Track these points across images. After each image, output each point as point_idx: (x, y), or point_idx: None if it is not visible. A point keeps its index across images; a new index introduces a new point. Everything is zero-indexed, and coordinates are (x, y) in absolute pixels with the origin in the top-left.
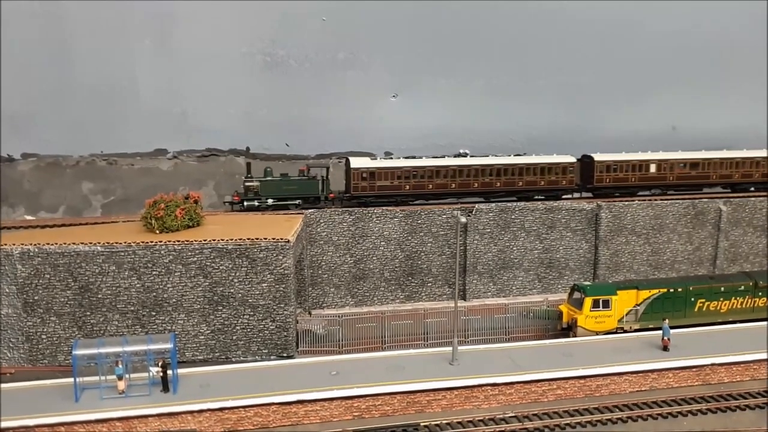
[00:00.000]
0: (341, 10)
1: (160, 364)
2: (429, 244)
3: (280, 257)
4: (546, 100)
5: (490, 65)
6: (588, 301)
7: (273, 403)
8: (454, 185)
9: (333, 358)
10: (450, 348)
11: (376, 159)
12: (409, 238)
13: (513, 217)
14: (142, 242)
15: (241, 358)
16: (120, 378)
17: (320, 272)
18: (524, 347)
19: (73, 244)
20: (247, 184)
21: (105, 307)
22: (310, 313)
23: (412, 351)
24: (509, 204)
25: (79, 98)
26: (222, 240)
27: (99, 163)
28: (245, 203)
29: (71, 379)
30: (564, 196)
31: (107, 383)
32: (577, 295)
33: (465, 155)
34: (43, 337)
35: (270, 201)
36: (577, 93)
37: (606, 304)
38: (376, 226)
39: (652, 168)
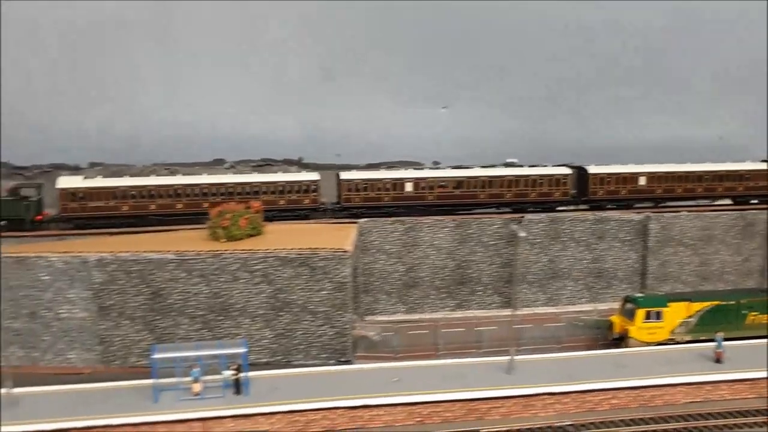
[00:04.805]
0: (392, 25)
1: (233, 367)
2: (479, 254)
3: (339, 266)
4: (596, 112)
5: (538, 77)
6: (640, 313)
7: (340, 407)
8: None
9: (392, 365)
10: (504, 357)
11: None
12: (460, 247)
13: (563, 227)
14: (211, 250)
15: (302, 361)
16: (196, 381)
17: (372, 280)
18: (577, 357)
19: (146, 251)
20: None
21: (175, 312)
22: (363, 319)
23: (468, 360)
24: (559, 214)
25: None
26: (284, 249)
27: (161, 172)
28: None
29: (148, 381)
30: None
31: (184, 385)
32: (629, 306)
33: (513, 165)
34: (116, 339)
35: None
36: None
37: (658, 316)
38: (427, 235)
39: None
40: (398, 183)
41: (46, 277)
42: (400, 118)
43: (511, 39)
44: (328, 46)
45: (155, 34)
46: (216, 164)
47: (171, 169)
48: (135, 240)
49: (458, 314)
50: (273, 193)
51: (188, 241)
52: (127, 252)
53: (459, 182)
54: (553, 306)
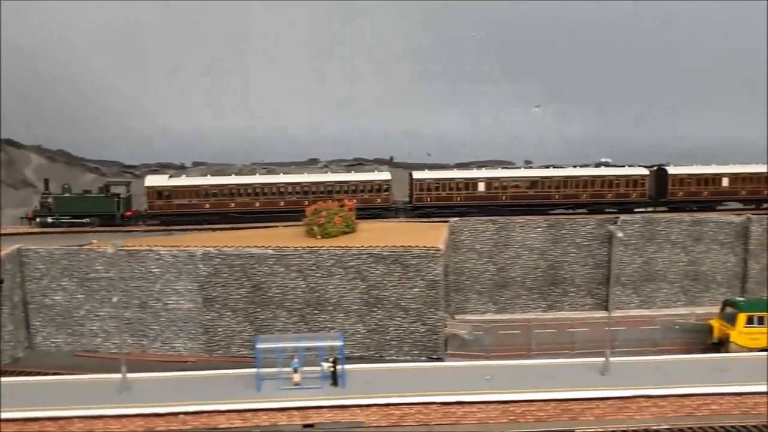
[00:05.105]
0: (486, 26)
1: (330, 360)
2: (572, 254)
3: (431, 264)
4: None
5: (633, 79)
6: (742, 317)
7: (434, 403)
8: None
9: (484, 363)
10: (598, 358)
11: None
12: (552, 247)
13: (658, 228)
14: (308, 246)
15: (394, 357)
16: (295, 371)
17: (463, 279)
18: (674, 360)
19: (248, 247)
20: (41, 200)
21: (274, 305)
22: (453, 318)
23: (561, 360)
24: (655, 215)
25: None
26: (377, 246)
27: (259, 171)
28: (38, 219)
29: (250, 370)
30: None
31: (284, 375)
32: (729, 310)
33: (606, 164)
34: (219, 330)
35: (64, 218)
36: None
37: (761, 321)
38: (519, 235)
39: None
40: (470, 183)
41: (156, 270)
42: (492, 117)
43: (605, 40)
44: (423, 47)
45: (259, 37)
46: (311, 164)
47: (268, 168)
48: (236, 236)
49: (549, 315)
50: (345, 192)
51: (286, 237)
52: (231, 247)
53: (533, 182)
54: (647, 308)
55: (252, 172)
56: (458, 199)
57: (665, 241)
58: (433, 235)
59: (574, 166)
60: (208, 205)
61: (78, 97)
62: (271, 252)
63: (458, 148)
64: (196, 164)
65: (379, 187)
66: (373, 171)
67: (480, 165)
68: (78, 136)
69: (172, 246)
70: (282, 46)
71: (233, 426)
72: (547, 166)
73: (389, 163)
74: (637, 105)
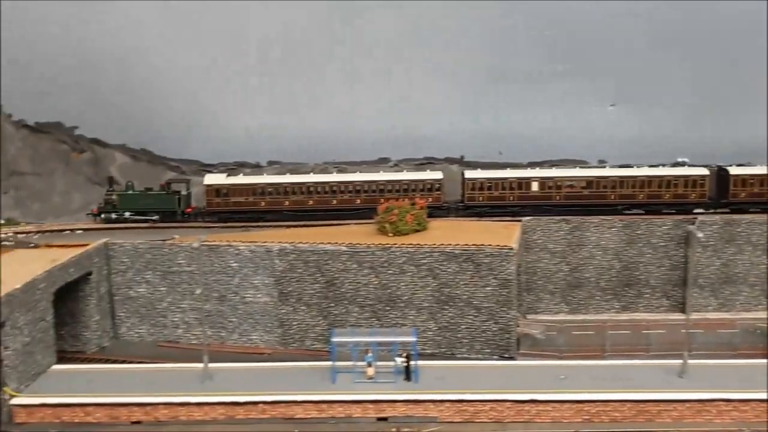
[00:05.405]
0: (559, 25)
1: (404, 355)
2: (648, 255)
3: (504, 263)
4: None
5: (710, 78)
6: None
7: (508, 400)
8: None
9: (557, 363)
10: (674, 361)
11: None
12: (627, 248)
13: (738, 230)
14: (380, 244)
15: (465, 355)
16: (369, 365)
17: (535, 278)
18: (756, 365)
19: (322, 243)
20: (106, 197)
21: (346, 300)
22: (525, 318)
23: (636, 361)
24: (735, 216)
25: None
26: (449, 244)
27: (330, 170)
28: (103, 215)
29: (324, 363)
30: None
31: (358, 369)
32: None
33: (683, 164)
34: (294, 323)
35: (127, 214)
36: None
37: None
38: (593, 235)
39: None
40: (524, 182)
41: (235, 264)
42: (565, 115)
43: (683, 39)
44: (495, 47)
45: (335, 40)
46: (381, 163)
47: (339, 167)
48: (310, 232)
49: (624, 316)
50: (397, 191)
51: (358, 234)
52: (305, 243)
53: (588, 182)
54: (725, 311)
55: (325, 171)
56: (511, 198)
57: (746, 242)
58: (506, 234)
59: (650, 166)
60: (263, 203)
61: (161, 100)
62: (344, 248)
63: (531, 147)
64: (271, 163)
65: (430, 186)
66: (426, 170)
67: (553, 164)
68: (160, 135)
69: (249, 241)
70: (356, 49)
71: (309, 416)
72: (622, 166)
73: (460, 162)
74: (717, 104)
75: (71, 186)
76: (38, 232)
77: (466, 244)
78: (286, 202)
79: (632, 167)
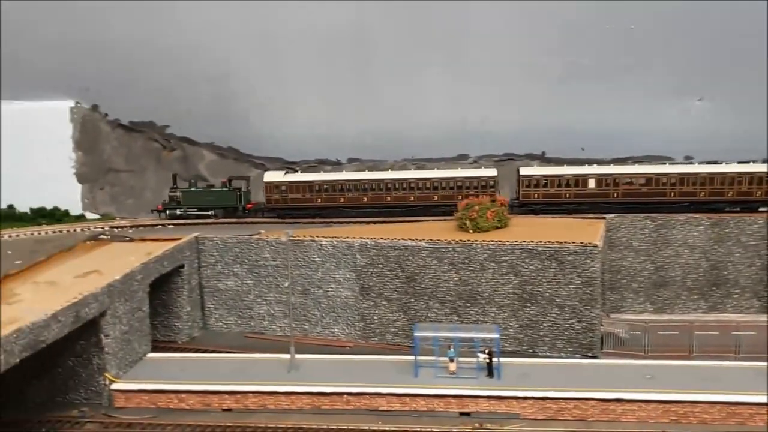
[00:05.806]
0: (644, 18)
1: (486, 351)
2: (737, 254)
3: (588, 261)
4: None
5: None
6: None
7: (592, 399)
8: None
9: (643, 362)
10: (765, 363)
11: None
12: (716, 247)
13: None
14: (461, 240)
15: (547, 353)
16: (451, 360)
17: (619, 277)
18: None
19: (402, 239)
20: (170, 194)
21: (427, 296)
22: (608, 316)
23: (726, 363)
24: None
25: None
26: (531, 241)
27: (409, 167)
28: (167, 212)
29: (406, 357)
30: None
31: (440, 364)
32: None
33: None
34: (375, 317)
35: (191, 210)
36: None
37: None
38: (679, 233)
39: None
40: (580, 179)
41: (318, 259)
42: (650, 111)
43: None
44: (575, 42)
45: (408, 41)
46: (460, 159)
47: (418, 164)
48: (390, 228)
49: (711, 317)
50: (451, 188)
51: (438, 231)
52: (386, 239)
53: (648, 179)
54: None
55: (404, 168)
56: (567, 195)
57: None
58: (590, 231)
59: (739, 163)
60: (320, 200)
61: (248, 99)
62: (424, 245)
63: (614, 143)
64: (350, 161)
65: (485, 184)
66: (480, 167)
67: (636, 160)
68: (246, 134)
69: (332, 237)
70: (435, 48)
71: (393, 409)
72: (709, 162)
73: (541, 158)
74: None
75: (162, 183)
76: (132, 226)
77: (549, 241)
78: (342, 199)
79: (720, 164)
